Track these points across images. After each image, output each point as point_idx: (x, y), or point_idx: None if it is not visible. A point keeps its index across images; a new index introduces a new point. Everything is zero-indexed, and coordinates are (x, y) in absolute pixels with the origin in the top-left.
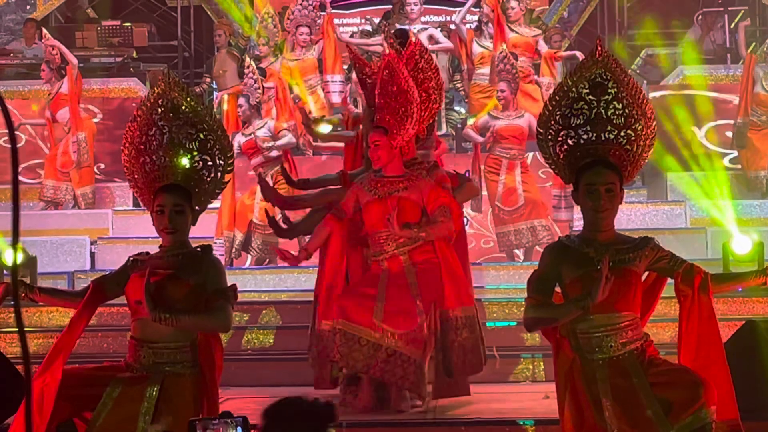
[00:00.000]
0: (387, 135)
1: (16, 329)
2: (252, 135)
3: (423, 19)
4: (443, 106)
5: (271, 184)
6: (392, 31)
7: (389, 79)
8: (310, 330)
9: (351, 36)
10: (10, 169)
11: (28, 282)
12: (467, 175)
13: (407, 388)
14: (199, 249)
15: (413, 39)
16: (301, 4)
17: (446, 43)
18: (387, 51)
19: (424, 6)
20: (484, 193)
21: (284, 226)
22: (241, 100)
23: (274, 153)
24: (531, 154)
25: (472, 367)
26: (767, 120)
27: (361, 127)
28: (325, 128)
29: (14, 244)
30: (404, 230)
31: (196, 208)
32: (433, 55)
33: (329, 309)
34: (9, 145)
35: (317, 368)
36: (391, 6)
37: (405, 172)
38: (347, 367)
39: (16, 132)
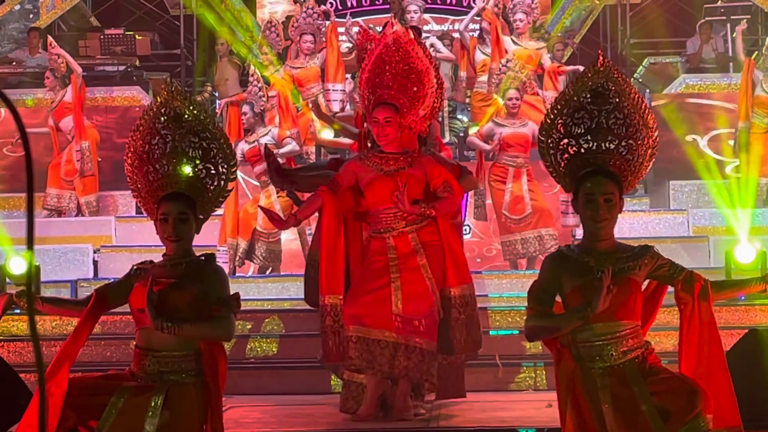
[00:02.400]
0: (398, 113)
1: (20, 338)
2: (256, 142)
3: (425, 27)
4: (446, 113)
5: (275, 192)
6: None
7: (399, 58)
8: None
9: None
10: (25, 176)
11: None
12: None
13: (422, 380)
14: (202, 257)
15: (412, 36)
16: (305, 12)
17: (447, 53)
18: (394, 27)
19: (427, 15)
20: (489, 201)
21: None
22: (246, 108)
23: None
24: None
25: (473, 344)
26: None
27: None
28: (327, 134)
29: (29, 251)
30: (414, 207)
31: (200, 216)
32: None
33: (330, 284)
34: (13, 154)
35: (325, 342)
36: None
37: (404, 149)
38: (373, 372)
39: (18, 141)
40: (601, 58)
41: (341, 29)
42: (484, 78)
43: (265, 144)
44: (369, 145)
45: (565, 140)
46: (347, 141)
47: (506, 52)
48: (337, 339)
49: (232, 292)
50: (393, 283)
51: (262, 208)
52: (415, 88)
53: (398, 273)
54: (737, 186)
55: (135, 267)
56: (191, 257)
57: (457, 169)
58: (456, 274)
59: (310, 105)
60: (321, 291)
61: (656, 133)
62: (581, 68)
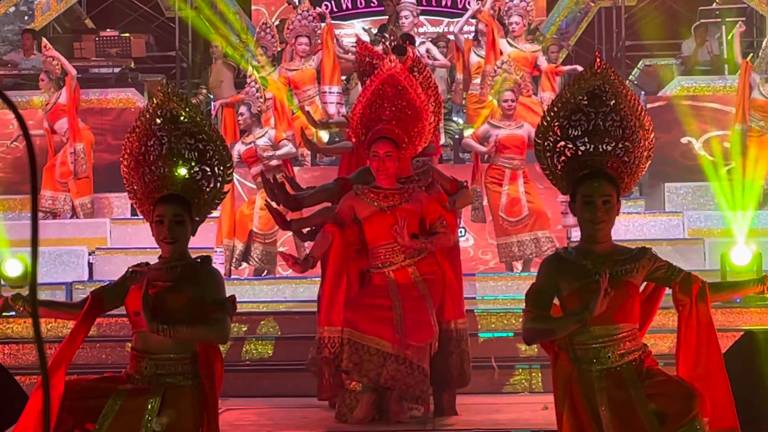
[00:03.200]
0: (398, 148)
1: (15, 340)
2: (252, 144)
3: (420, 30)
4: (441, 115)
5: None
6: (392, 47)
7: (397, 93)
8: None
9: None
10: (29, 178)
11: (26, 294)
12: (465, 184)
13: (416, 395)
14: (198, 260)
15: (410, 54)
16: (300, 15)
17: (443, 59)
18: (390, 62)
19: (422, 17)
20: (485, 203)
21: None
22: (243, 109)
23: (274, 162)
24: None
25: (465, 379)
26: (765, 125)
27: None
28: (323, 136)
29: (33, 255)
30: (413, 241)
31: (196, 218)
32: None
33: (330, 316)
34: (9, 156)
35: (317, 376)
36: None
37: (397, 185)
38: (359, 377)
39: (15, 144)
40: (598, 60)
41: (336, 31)
42: (479, 80)
43: (272, 176)
44: (360, 156)
45: (562, 142)
46: (344, 146)
47: (502, 54)
48: (333, 372)
49: (227, 295)
50: (395, 310)
51: (268, 206)
52: (413, 125)
53: (399, 301)
54: (734, 188)
55: (131, 269)
56: (187, 259)
57: (454, 184)
58: (453, 308)
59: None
60: (320, 323)
61: (652, 135)
62: (579, 68)
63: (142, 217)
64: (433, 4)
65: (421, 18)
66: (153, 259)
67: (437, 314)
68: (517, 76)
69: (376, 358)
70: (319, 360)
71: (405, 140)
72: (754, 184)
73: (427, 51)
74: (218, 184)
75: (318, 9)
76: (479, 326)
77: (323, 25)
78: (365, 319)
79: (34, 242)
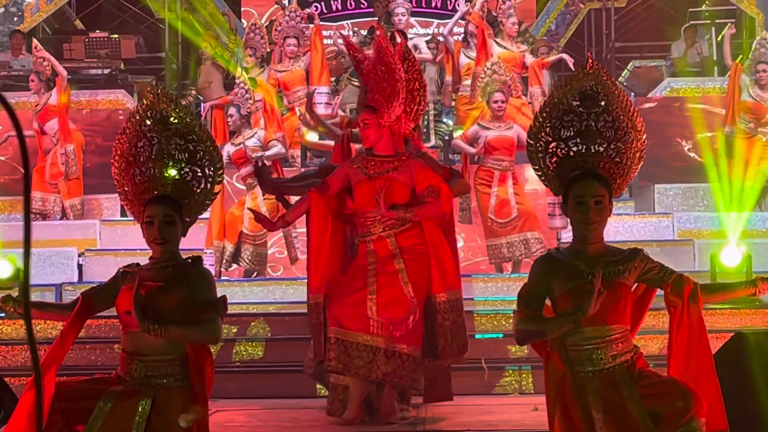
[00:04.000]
0: (375, 113)
1: (4, 341)
2: (242, 145)
3: (411, 31)
4: (431, 116)
5: (261, 194)
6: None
7: (378, 59)
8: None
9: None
10: (9, 180)
11: (16, 296)
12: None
13: (408, 386)
14: (189, 260)
15: (399, 40)
16: (288, 16)
17: (427, 54)
18: (378, 32)
19: (413, 18)
20: (474, 204)
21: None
22: (232, 110)
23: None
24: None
25: (459, 350)
26: (755, 127)
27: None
28: (312, 137)
29: (26, 256)
30: (390, 211)
31: (187, 219)
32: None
33: (319, 281)
34: (3, 158)
35: (314, 337)
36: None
37: (396, 151)
38: (349, 374)
39: (4, 143)
40: (589, 60)
41: (325, 32)
42: (469, 82)
43: (256, 160)
44: (351, 148)
45: (554, 143)
46: (332, 143)
47: (491, 55)
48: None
49: (218, 295)
50: (369, 287)
51: (251, 209)
52: (386, 84)
53: (375, 277)
54: (732, 189)
55: (121, 270)
56: (178, 260)
57: (447, 172)
58: (441, 280)
59: (299, 109)
60: (309, 289)
61: (644, 136)
62: (564, 56)
63: (131, 218)
64: (423, 5)
65: (411, 19)
66: (143, 260)
67: (425, 288)
68: (506, 77)
69: (365, 354)
70: (313, 326)
71: (381, 102)
72: (745, 186)
73: (414, 46)
74: (208, 185)
75: (306, 10)
76: (470, 327)
77: (311, 26)
78: (346, 313)
79: (27, 244)
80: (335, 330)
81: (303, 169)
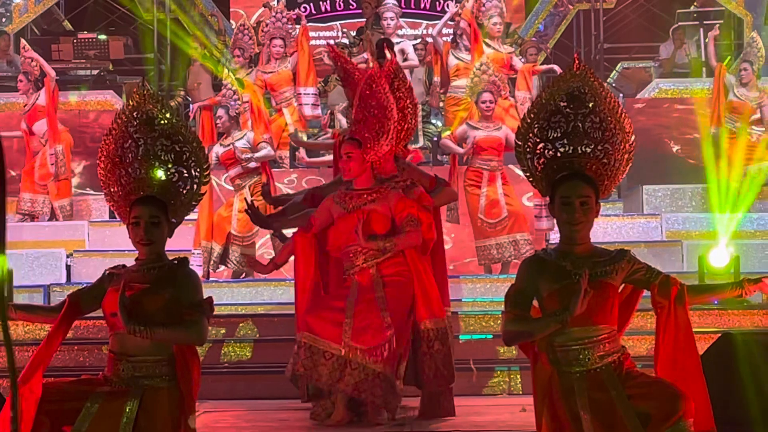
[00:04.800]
0: (360, 148)
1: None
2: (230, 146)
3: (400, 32)
4: (419, 117)
5: (249, 195)
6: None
7: (369, 93)
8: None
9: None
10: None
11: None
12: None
13: (379, 404)
14: (175, 261)
15: (389, 57)
16: (274, 17)
17: (414, 60)
18: (371, 65)
19: (402, 19)
20: (463, 204)
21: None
22: (221, 112)
23: (252, 164)
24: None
25: (444, 380)
26: (742, 127)
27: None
28: (302, 136)
29: (2, 255)
30: (369, 242)
31: (173, 220)
32: (407, 72)
33: (303, 319)
34: None
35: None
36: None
37: (373, 184)
38: (311, 381)
39: None
40: (577, 61)
41: (313, 33)
42: (457, 83)
43: (249, 202)
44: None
45: (542, 144)
46: (327, 142)
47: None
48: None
49: (205, 296)
50: (347, 312)
51: (248, 205)
52: (375, 121)
53: (354, 304)
54: (730, 190)
55: (108, 271)
56: (164, 261)
57: (433, 181)
58: (425, 307)
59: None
60: (296, 328)
61: (632, 137)
62: (556, 67)
63: (119, 219)
64: (412, 6)
65: (401, 20)
66: (131, 262)
67: (407, 316)
68: (496, 77)
69: (331, 363)
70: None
71: (369, 139)
72: (731, 186)
73: (401, 51)
74: (195, 186)
75: (294, 11)
76: (458, 328)
77: (298, 27)
78: (320, 322)
79: (2, 245)
80: (305, 335)
81: (291, 168)
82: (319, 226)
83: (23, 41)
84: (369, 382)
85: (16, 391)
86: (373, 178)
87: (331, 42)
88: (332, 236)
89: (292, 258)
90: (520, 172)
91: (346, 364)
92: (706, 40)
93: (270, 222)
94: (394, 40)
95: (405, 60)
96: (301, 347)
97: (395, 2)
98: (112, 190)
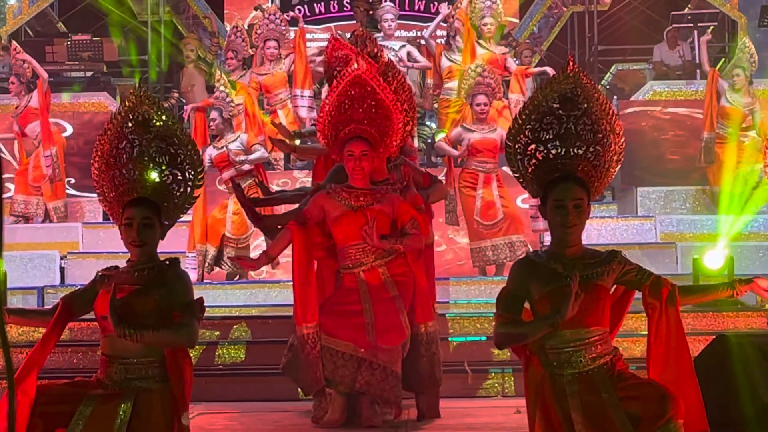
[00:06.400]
0: (371, 146)
1: None
2: (224, 148)
3: (395, 34)
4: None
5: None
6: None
7: (366, 94)
8: (290, 340)
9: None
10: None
11: None
12: (439, 178)
13: (390, 400)
14: (166, 263)
15: (385, 59)
16: (268, 19)
17: (425, 61)
18: (356, 65)
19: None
20: (459, 207)
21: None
22: (214, 114)
23: (246, 167)
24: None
25: (435, 383)
26: (733, 132)
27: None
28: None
29: None
30: (383, 242)
31: (165, 222)
32: (405, 73)
33: (306, 314)
34: None
35: (307, 372)
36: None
37: (372, 185)
38: (333, 384)
39: None
40: (570, 63)
41: (308, 35)
42: (450, 84)
43: (242, 186)
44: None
45: (533, 145)
46: (318, 148)
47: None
48: (313, 374)
49: (196, 298)
50: (366, 314)
51: (241, 201)
52: (384, 124)
53: (370, 304)
54: (744, 192)
55: (99, 273)
56: (155, 263)
57: (427, 178)
58: (423, 311)
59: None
60: (297, 322)
61: (623, 139)
62: (549, 69)
63: (112, 219)
64: (406, 9)
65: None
66: (124, 264)
67: (408, 317)
68: (491, 80)
69: (350, 363)
70: (302, 358)
71: (378, 139)
72: (723, 190)
73: (408, 54)
74: (188, 189)
75: (290, 13)
76: (452, 330)
77: (295, 29)
78: (339, 325)
79: None
80: (324, 338)
81: (285, 170)
82: (313, 220)
83: (14, 43)
84: (383, 380)
85: (12, 393)
86: (368, 180)
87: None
88: (338, 233)
89: (285, 260)
90: None
91: (363, 363)
92: (699, 44)
93: (261, 221)
94: (393, 42)
95: (414, 61)
96: (323, 351)
97: (392, 4)
98: (105, 190)
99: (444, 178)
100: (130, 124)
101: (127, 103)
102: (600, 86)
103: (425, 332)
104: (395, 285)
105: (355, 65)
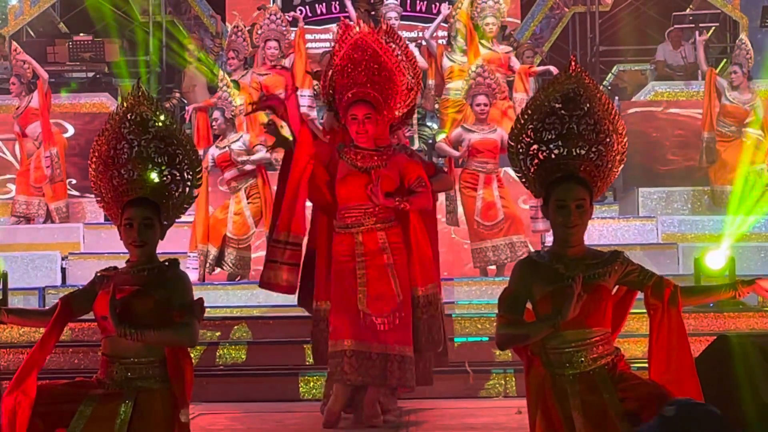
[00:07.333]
0: (375, 109)
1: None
2: (227, 148)
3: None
4: (415, 119)
5: (245, 198)
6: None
7: (369, 57)
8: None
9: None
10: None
11: None
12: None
13: (405, 384)
14: (166, 263)
15: (385, 27)
16: (269, 19)
17: (422, 62)
18: (357, 28)
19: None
20: (461, 209)
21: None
22: (216, 114)
23: (248, 167)
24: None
25: (434, 344)
26: (736, 130)
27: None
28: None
29: None
30: (388, 199)
31: (165, 222)
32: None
33: (285, 222)
34: None
35: (318, 343)
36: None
37: (377, 144)
38: (363, 382)
39: None
40: (573, 63)
41: (309, 36)
42: (451, 85)
43: (260, 95)
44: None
45: (536, 145)
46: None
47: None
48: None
49: (196, 298)
50: (359, 279)
51: (267, 125)
52: (388, 86)
53: (365, 270)
54: (754, 192)
55: (98, 274)
56: (154, 263)
57: (432, 168)
58: (422, 273)
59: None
60: (278, 229)
61: (625, 139)
62: (552, 68)
63: (110, 220)
64: (408, 9)
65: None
66: (124, 264)
67: (407, 282)
68: (491, 80)
69: (378, 361)
70: (316, 331)
71: (381, 102)
72: (724, 189)
73: None
74: (187, 189)
75: (291, 13)
76: (454, 331)
77: (295, 29)
78: (356, 323)
79: None
80: (348, 342)
81: None
82: (321, 147)
83: (14, 44)
84: (408, 371)
85: None
86: (373, 143)
87: (326, 45)
88: (342, 192)
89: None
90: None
91: (389, 358)
92: (696, 44)
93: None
94: None
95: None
96: (348, 356)
97: (396, 2)
98: (102, 191)
99: None
100: (128, 124)
101: (124, 104)
102: (602, 87)
103: (422, 295)
104: (392, 252)
105: (357, 28)
